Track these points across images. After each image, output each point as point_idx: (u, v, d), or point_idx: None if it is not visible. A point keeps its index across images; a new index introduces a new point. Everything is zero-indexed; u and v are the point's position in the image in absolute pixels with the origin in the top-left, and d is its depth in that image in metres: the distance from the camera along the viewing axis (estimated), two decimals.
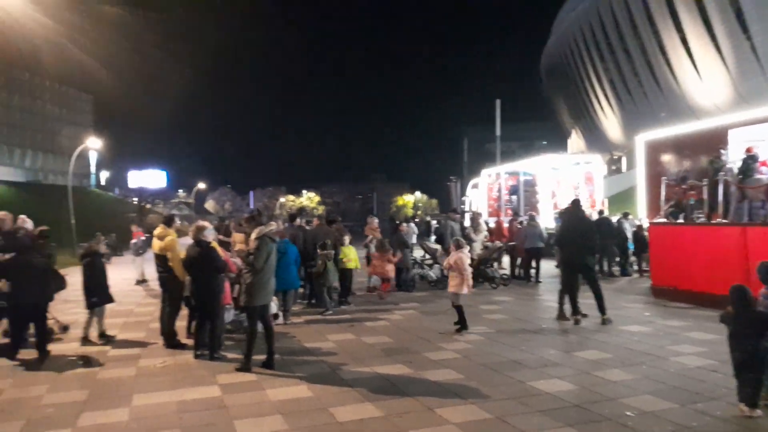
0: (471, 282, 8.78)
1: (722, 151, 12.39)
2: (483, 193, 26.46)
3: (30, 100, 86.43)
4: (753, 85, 27.20)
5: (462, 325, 8.48)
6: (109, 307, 8.36)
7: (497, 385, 5.83)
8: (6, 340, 7.28)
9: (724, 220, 11.44)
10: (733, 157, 12.13)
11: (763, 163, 11.79)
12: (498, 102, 43.21)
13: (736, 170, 11.53)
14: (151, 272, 10.27)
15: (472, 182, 29.06)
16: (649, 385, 5.78)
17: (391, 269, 12.20)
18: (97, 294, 7.98)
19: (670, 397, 5.40)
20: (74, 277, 8.55)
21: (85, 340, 7.90)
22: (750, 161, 11.19)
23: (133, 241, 15.11)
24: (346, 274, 11.17)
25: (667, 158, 15.84)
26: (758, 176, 11.08)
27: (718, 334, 7.64)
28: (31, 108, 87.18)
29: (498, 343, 7.70)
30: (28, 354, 7.11)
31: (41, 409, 5.28)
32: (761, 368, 4.84)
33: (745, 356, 4.88)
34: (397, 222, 15.28)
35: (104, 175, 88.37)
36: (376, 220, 13.95)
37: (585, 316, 9.08)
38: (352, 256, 11.29)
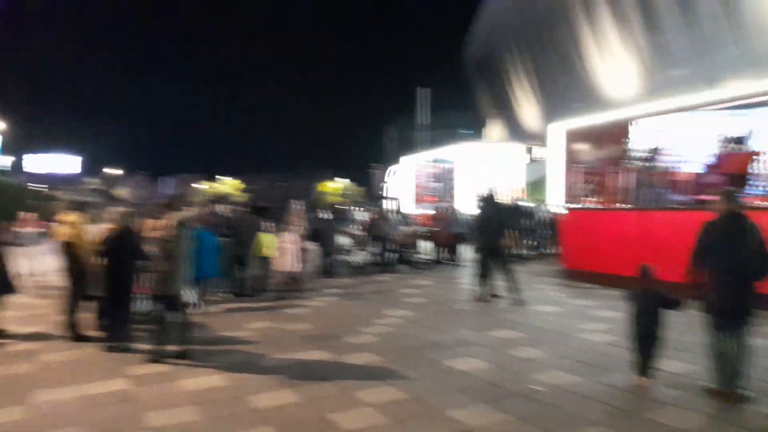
0: (292, 262, 10.16)
1: (631, 140, 13.10)
2: (404, 179, 26.74)
3: None
4: (661, 79, 28.94)
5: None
6: (7, 299, 7.79)
7: (415, 366, 5.93)
8: None
9: (631, 205, 12.13)
10: (641, 146, 12.88)
11: (667, 153, 12.63)
12: (419, 89, 43.71)
13: (643, 158, 12.27)
14: (50, 263, 9.67)
15: (390, 169, 29.28)
16: (558, 361, 6.07)
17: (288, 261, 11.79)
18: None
19: (577, 371, 5.69)
20: None
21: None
22: (655, 150, 11.92)
23: (29, 230, 14.12)
24: (264, 263, 10.95)
25: (582, 147, 16.57)
26: (662, 164, 11.85)
27: (623, 311, 8.14)
28: None
29: (417, 326, 7.83)
30: None
31: None
32: (655, 342, 5.20)
33: (644, 331, 5.23)
34: (319, 209, 15.17)
35: (9, 160, 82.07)
36: (297, 206, 13.75)
37: (501, 297, 9.41)
38: (270, 244, 11.08)
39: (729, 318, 4.83)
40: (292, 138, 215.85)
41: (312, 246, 12.47)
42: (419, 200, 23.94)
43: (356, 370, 5.84)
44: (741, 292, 4.78)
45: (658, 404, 4.81)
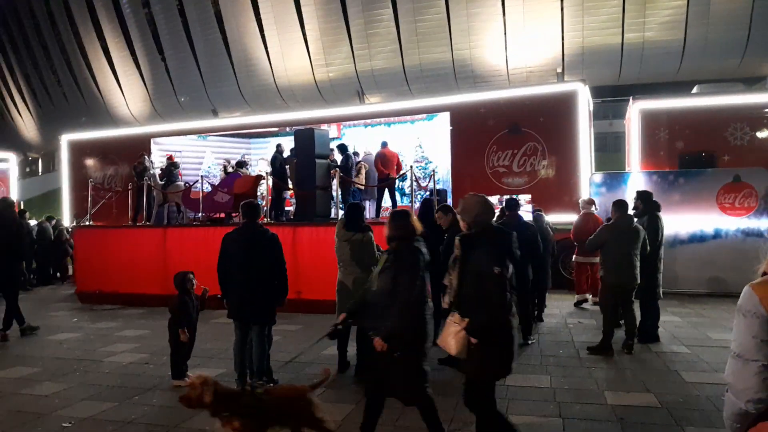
0: None
1: (146, 158, 13.10)
2: None
3: None
4: (167, 102, 30.05)
5: None
6: None
7: None
8: None
9: (147, 223, 12.09)
10: (156, 164, 13.04)
11: (180, 173, 13.16)
12: None
13: (158, 176, 12.41)
14: None
15: None
16: (85, 390, 5.49)
17: None
18: None
19: (108, 397, 5.27)
20: None
21: None
22: (171, 168, 12.26)
23: None
24: None
25: (92, 161, 15.62)
26: (178, 182, 12.26)
27: (148, 329, 8.09)
28: None
29: None
30: None
31: None
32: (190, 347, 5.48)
33: (177, 338, 5.46)
34: None
35: None
36: None
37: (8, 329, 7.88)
38: None
39: (252, 319, 5.32)
40: None
41: None
42: None
43: None
44: (260, 295, 5.24)
45: (194, 412, 4.88)
